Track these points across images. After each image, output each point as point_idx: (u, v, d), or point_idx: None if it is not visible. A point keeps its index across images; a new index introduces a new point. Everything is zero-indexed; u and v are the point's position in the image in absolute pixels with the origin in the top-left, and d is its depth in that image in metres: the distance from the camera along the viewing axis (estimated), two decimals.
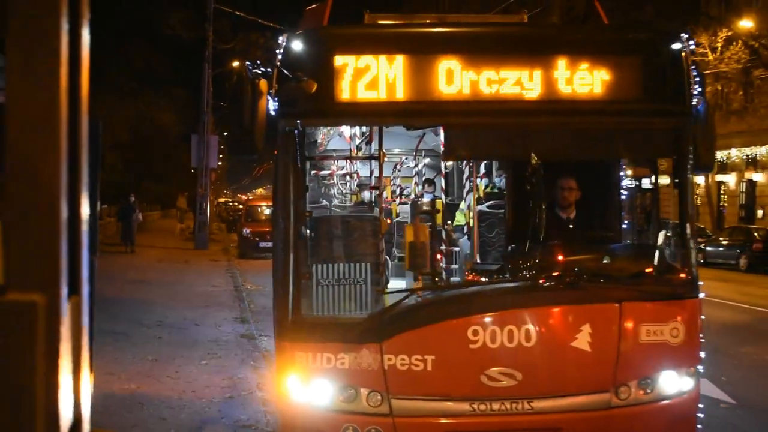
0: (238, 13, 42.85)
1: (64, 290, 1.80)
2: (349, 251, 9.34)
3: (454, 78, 7.62)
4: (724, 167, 53.80)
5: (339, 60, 7.58)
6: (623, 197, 9.87)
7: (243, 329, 17.99)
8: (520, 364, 7.29)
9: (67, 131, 1.81)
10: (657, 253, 8.61)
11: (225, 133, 63.07)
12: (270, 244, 35.23)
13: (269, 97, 7.57)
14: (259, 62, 8.07)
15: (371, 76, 7.57)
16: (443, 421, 7.42)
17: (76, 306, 1.92)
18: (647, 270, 8.45)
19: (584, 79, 7.72)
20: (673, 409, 7.84)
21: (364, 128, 11.76)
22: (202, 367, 14.17)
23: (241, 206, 55.84)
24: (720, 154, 48.12)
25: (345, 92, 7.58)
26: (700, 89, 7.94)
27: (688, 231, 8.01)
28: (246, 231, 39.71)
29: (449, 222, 11.39)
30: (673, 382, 7.82)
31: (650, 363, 7.72)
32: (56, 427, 1.77)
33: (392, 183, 17.19)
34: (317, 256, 8.70)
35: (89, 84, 2.11)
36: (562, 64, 7.74)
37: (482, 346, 7.25)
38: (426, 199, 14.51)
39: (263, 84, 7.49)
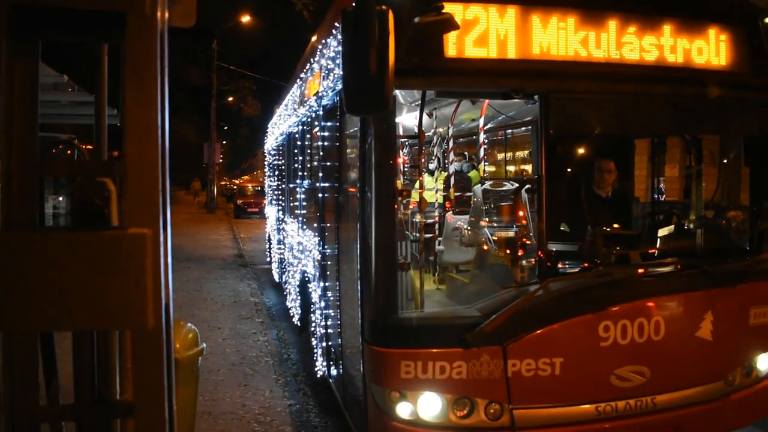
0: (231, 67, 42.69)
1: (161, 227, 1.86)
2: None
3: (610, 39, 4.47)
4: None
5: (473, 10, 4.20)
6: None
7: (240, 261, 17.84)
8: (649, 359, 4.55)
9: (159, 134, 1.86)
10: (735, 232, 6.10)
11: (224, 141, 62.15)
12: (255, 209, 35.11)
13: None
14: None
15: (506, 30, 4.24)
16: (568, 429, 4.50)
17: (166, 238, 1.97)
18: (749, 249, 5.43)
19: (705, 48, 4.75)
20: (766, 389, 5.21)
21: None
22: (217, 284, 14.06)
23: (235, 187, 55.68)
24: None
25: (477, 46, 4.19)
26: None
27: None
28: (239, 201, 39.50)
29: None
30: (767, 362, 5.21)
31: (755, 346, 5.11)
32: (159, 308, 1.83)
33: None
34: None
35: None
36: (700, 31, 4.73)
37: (613, 344, 4.44)
38: (463, 168, 10.40)
39: (391, 17, 3.66)
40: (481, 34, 4.24)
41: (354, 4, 3.70)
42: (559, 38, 4.42)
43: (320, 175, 6.55)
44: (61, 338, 2.26)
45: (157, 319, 1.79)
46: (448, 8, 4.08)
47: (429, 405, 4.33)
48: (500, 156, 12.97)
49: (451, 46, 4.19)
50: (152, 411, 1.84)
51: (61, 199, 12.49)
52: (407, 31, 4.01)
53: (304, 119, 8.05)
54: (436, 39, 4.13)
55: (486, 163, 10.35)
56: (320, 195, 6.55)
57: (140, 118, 1.76)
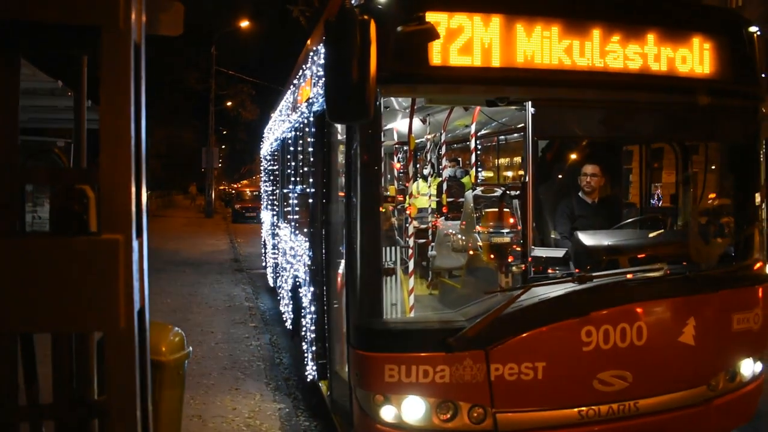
0: (230, 72, 42.96)
1: (133, 233, 1.92)
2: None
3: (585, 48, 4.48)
4: None
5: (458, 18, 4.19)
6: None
7: (235, 266, 17.90)
8: (631, 364, 4.56)
9: (133, 143, 1.92)
10: (719, 238, 6.12)
11: (223, 146, 62.58)
12: (253, 214, 35.14)
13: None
14: None
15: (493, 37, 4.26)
16: None
17: (140, 243, 2.02)
18: (730, 255, 5.45)
19: (685, 57, 4.75)
20: (750, 395, 5.21)
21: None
22: (212, 288, 14.11)
23: (233, 191, 55.81)
24: None
25: (462, 54, 4.20)
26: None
27: (760, 213, 5.24)
28: (237, 206, 39.57)
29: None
30: (750, 368, 5.20)
31: (738, 351, 5.10)
32: (131, 310, 1.89)
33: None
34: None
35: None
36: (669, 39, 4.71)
37: (595, 348, 4.45)
38: (456, 173, 10.31)
39: (373, 27, 3.79)
40: (465, 43, 4.27)
41: (337, 14, 3.76)
42: (543, 47, 4.45)
43: (310, 180, 6.59)
44: (41, 342, 2.32)
45: (129, 321, 1.85)
46: (434, 17, 4.14)
47: (413, 408, 4.35)
48: (499, 161, 12.97)
49: (436, 54, 4.21)
50: (125, 411, 1.90)
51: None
52: (391, 40, 4.05)
53: (297, 125, 8.10)
54: (420, 48, 4.15)
55: (482, 169, 10.41)
56: (310, 200, 6.59)
57: (113, 128, 1.82)
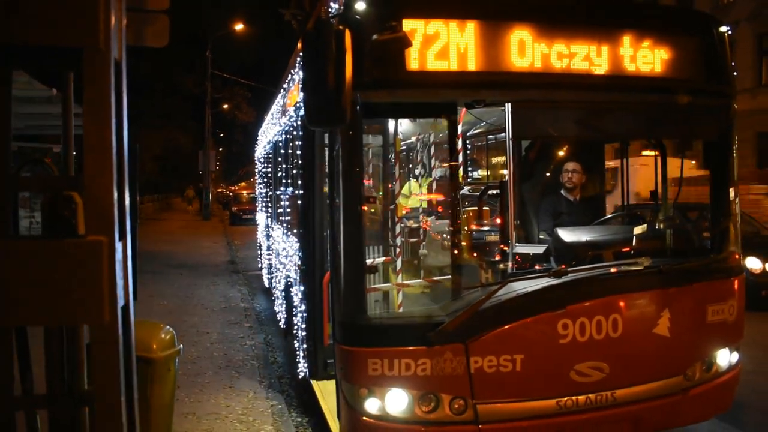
0: (225, 75, 43.23)
1: (117, 235, 2.08)
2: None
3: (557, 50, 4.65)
4: None
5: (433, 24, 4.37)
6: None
7: (232, 267, 18.04)
8: (607, 355, 4.68)
9: (114, 149, 2.09)
10: (696, 233, 6.32)
11: (221, 149, 62.77)
12: (250, 216, 35.25)
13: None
14: (341, 7, 4.37)
15: (468, 42, 4.43)
16: (530, 423, 4.61)
17: (123, 245, 2.18)
18: (706, 249, 5.62)
19: (656, 58, 4.91)
20: (727, 384, 5.33)
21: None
22: (208, 290, 14.24)
23: (231, 193, 56.02)
24: None
25: (437, 59, 4.39)
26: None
27: (734, 208, 5.43)
28: (234, 208, 39.78)
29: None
30: (727, 358, 5.33)
31: (714, 342, 5.22)
32: (114, 306, 2.05)
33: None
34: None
35: (134, 122, 2.34)
36: (638, 41, 4.88)
37: (571, 341, 4.59)
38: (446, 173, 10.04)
39: (348, 37, 4.04)
40: (441, 49, 4.42)
41: (313, 25, 3.95)
42: (518, 51, 4.59)
43: (299, 182, 6.74)
44: (36, 339, 2.49)
45: (113, 315, 2.02)
46: (410, 24, 4.30)
47: (396, 401, 4.48)
48: (493, 160, 13.04)
49: (413, 60, 4.36)
50: (110, 399, 2.07)
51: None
52: (367, 48, 4.21)
53: (286, 128, 8.25)
54: (397, 54, 4.30)
55: (472, 168, 10.52)
56: (299, 202, 6.75)
57: (95, 140, 1.99)
